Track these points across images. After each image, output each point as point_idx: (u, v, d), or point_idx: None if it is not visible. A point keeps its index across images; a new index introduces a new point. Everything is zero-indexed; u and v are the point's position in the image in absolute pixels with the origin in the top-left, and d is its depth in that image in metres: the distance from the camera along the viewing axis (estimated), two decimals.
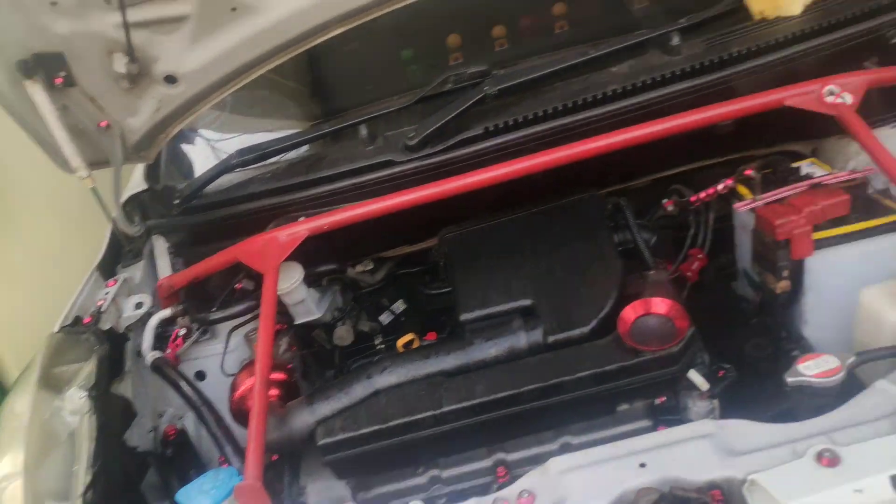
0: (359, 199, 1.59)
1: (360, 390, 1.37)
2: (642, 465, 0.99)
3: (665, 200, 1.66)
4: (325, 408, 1.37)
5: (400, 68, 2.14)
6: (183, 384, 1.59)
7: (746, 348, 1.45)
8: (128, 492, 1.43)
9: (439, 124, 1.56)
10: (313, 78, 2.26)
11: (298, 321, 1.73)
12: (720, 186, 1.59)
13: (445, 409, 1.25)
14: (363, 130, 1.66)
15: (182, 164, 2.14)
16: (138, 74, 1.43)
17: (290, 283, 1.60)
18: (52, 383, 1.53)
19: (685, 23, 1.62)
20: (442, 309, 1.66)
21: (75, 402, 1.47)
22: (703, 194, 1.61)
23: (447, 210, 1.59)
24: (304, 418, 1.38)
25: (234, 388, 1.54)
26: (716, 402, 1.24)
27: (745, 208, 1.47)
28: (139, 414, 1.66)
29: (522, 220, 1.61)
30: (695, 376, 1.23)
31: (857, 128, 1.33)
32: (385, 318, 1.87)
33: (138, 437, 1.65)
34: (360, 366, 1.43)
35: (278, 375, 1.54)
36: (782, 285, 1.34)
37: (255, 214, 1.67)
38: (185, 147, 2.18)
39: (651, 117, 1.46)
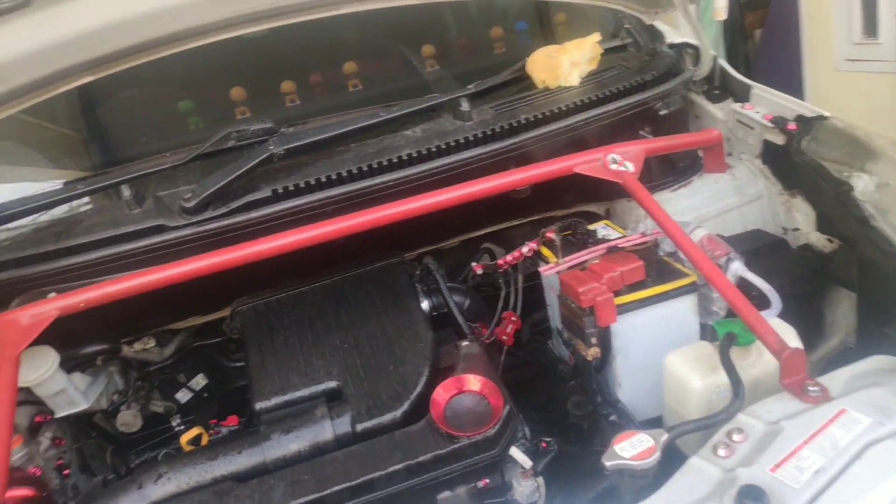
0: (125, 270, 1.36)
1: None
2: None
3: (474, 264, 1.64)
4: None
5: (180, 121, 1.93)
6: None
7: (569, 407, 1.44)
8: None
9: (221, 184, 1.38)
10: (88, 125, 1.97)
11: (60, 414, 1.43)
12: (525, 249, 1.60)
13: None
14: (126, 191, 1.43)
15: None
16: None
17: (40, 372, 1.31)
18: None
19: (473, 89, 1.64)
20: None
21: None
22: (509, 257, 1.61)
23: (239, 277, 1.41)
24: None
25: None
26: (540, 480, 1.19)
27: (549, 272, 1.48)
28: None
29: (324, 288, 1.48)
30: (517, 454, 1.16)
31: (640, 195, 1.40)
32: (183, 397, 1.64)
33: None
34: (131, 475, 1.18)
35: (23, 491, 1.24)
36: (592, 352, 1.35)
37: None
38: None
39: (449, 181, 1.43)
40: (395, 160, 1.49)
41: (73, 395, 1.42)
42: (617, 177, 1.43)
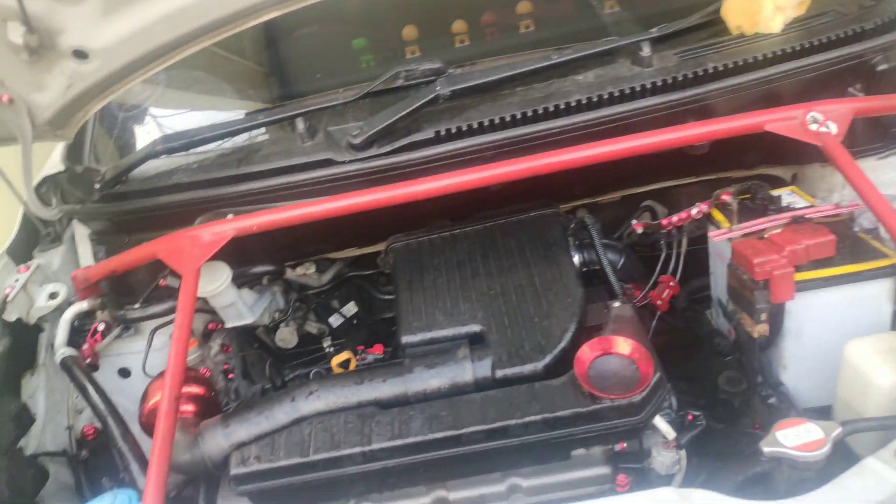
0: (294, 199, 1.43)
1: (282, 415, 1.22)
2: None
3: (634, 222, 1.54)
4: (242, 432, 1.21)
5: (353, 58, 1.97)
6: (90, 389, 1.42)
7: (720, 382, 1.34)
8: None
9: (386, 124, 1.40)
10: (270, 60, 2.08)
11: (229, 325, 1.58)
12: (694, 211, 1.47)
13: (375, 446, 1.11)
14: (301, 124, 1.49)
15: (126, 144, 1.97)
16: (40, 47, 1.23)
17: (216, 285, 1.44)
18: None
19: (657, 33, 1.48)
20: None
21: None
22: (675, 218, 1.50)
23: (396, 216, 1.45)
24: (218, 441, 1.22)
25: (144, 398, 1.38)
26: (682, 454, 1.13)
27: (721, 238, 1.36)
28: (54, 410, 1.54)
29: (476, 233, 1.47)
30: (660, 423, 1.11)
31: (842, 161, 1.23)
32: (335, 321, 1.74)
33: (52, 435, 1.53)
34: (286, 389, 1.27)
35: (195, 389, 1.38)
36: (760, 329, 1.23)
37: (180, 207, 1.50)
38: (133, 126, 2.00)
39: (618, 132, 1.34)
40: (562, 106, 1.42)
41: (241, 308, 1.54)
42: (816, 139, 1.26)
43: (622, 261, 1.55)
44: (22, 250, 1.70)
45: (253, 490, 1.18)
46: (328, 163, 1.45)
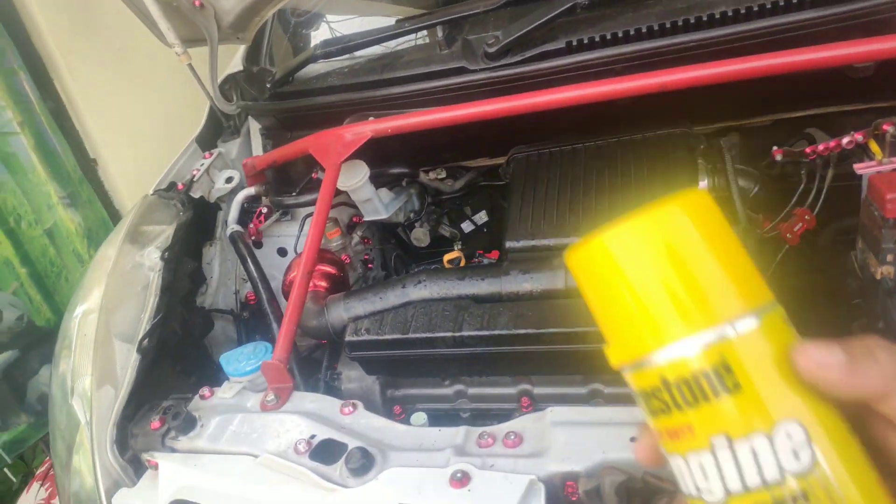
0: (428, 106, 1.52)
1: (392, 298, 1.36)
2: (632, 440, 0.91)
3: (775, 148, 1.44)
4: (359, 307, 1.38)
5: None
6: (248, 260, 1.67)
7: (853, 328, 1.26)
8: (187, 343, 1.56)
9: (521, 33, 1.41)
10: None
11: (366, 218, 1.75)
12: (845, 140, 1.34)
13: (465, 333, 1.22)
14: (440, 32, 1.55)
15: (296, 48, 2.18)
16: None
17: (354, 181, 1.60)
18: (137, 239, 1.68)
19: None
20: None
21: (152, 259, 1.60)
22: (821, 146, 1.38)
23: (523, 127, 1.49)
24: (340, 313, 1.41)
25: (287, 270, 1.60)
26: None
27: (866, 171, 1.24)
28: (225, 276, 1.83)
29: (598, 149, 1.47)
30: None
31: None
32: (466, 227, 1.85)
33: (222, 296, 1.83)
34: (400, 277, 1.41)
35: (328, 268, 1.58)
36: (885, 270, 1.13)
37: (331, 108, 1.66)
38: (303, 30, 2.20)
39: (766, 48, 1.24)
40: (704, 18, 1.34)
41: (377, 205, 1.70)
42: None
43: (756, 189, 1.46)
44: (207, 140, 1.98)
45: (362, 357, 1.35)
46: (461, 71, 1.51)
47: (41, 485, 2.71)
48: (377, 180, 1.69)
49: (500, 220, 1.85)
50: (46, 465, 2.79)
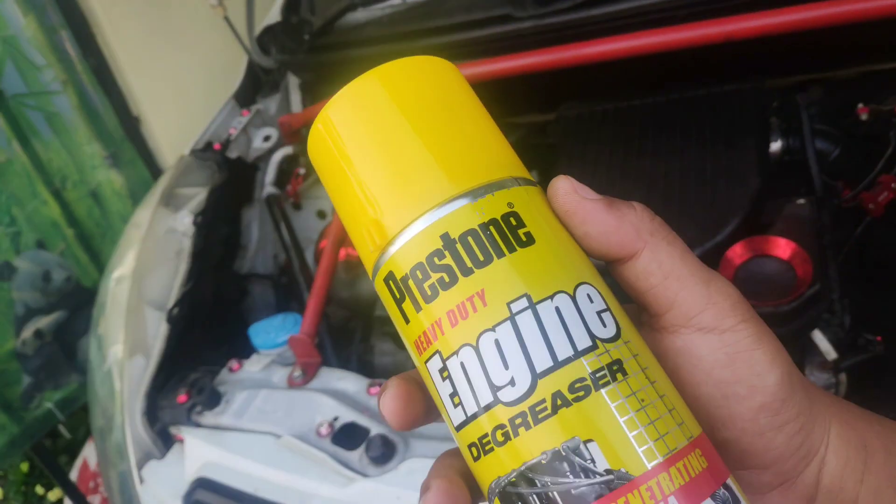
0: (472, 57, 1.40)
1: None
2: None
3: (860, 105, 1.26)
4: None
5: None
6: (282, 225, 1.62)
7: None
8: (220, 312, 1.53)
9: None
10: None
11: None
12: None
13: None
14: None
15: None
16: None
17: None
18: (171, 202, 1.65)
19: None
20: None
21: (185, 224, 1.57)
22: None
23: (574, 81, 1.36)
24: (372, 285, 1.34)
25: (319, 237, 1.54)
26: (843, 378, 0.98)
27: None
28: (264, 240, 1.77)
29: (656, 107, 1.32)
30: (819, 340, 0.96)
31: None
32: None
33: (261, 261, 1.79)
34: None
35: None
36: None
37: (372, 60, 1.55)
38: None
39: None
40: None
41: None
42: None
43: (836, 152, 1.30)
44: (246, 96, 1.92)
45: (392, 332, 1.29)
46: (506, 19, 1.38)
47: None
48: None
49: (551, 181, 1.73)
50: None
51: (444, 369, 0.32)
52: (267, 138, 1.83)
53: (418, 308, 0.33)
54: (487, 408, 0.31)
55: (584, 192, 0.37)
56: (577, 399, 0.30)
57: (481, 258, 0.32)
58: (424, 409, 0.36)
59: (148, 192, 1.74)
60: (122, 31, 2.06)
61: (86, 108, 1.96)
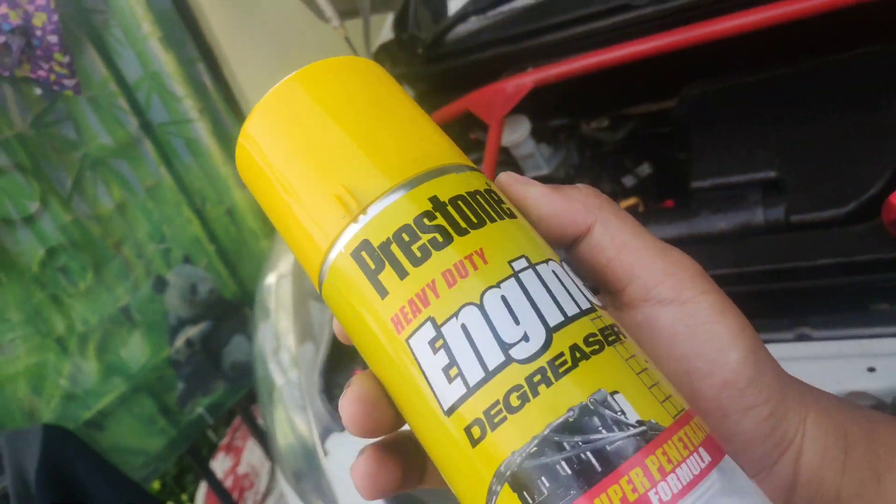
0: (588, 49, 1.47)
1: None
2: (871, 370, 0.84)
3: None
4: None
5: None
6: None
7: None
8: None
9: None
10: None
11: (528, 175, 1.74)
12: None
13: None
14: None
15: (438, 11, 2.19)
16: None
17: (517, 135, 1.59)
18: None
19: None
20: None
21: None
22: None
23: (692, 63, 1.40)
24: None
25: None
26: None
27: None
28: None
29: (787, 77, 1.36)
30: None
31: None
32: (628, 182, 1.80)
33: None
34: None
35: None
36: None
37: (488, 64, 1.66)
38: None
39: None
40: None
41: (538, 160, 1.69)
42: None
43: None
44: None
45: None
46: (624, 8, 1.46)
47: (226, 454, 2.98)
48: (536, 135, 1.68)
49: (664, 172, 1.78)
50: (228, 436, 3.06)
51: (437, 338, 0.29)
52: None
53: (403, 274, 0.30)
54: (498, 370, 0.28)
55: (528, 181, 0.38)
56: (594, 352, 0.29)
57: (475, 220, 0.31)
58: (394, 413, 0.33)
59: None
60: (246, 61, 2.24)
61: (219, 133, 2.13)
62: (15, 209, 1.69)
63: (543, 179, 1.78)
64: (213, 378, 2.08)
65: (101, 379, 1.83)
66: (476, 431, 0.27)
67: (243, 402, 2.26)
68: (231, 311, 2.11)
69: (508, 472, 0.27)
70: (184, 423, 2.02)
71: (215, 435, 3.02)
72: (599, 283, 0.37)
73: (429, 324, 0.29)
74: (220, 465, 2.92)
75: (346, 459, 1.24)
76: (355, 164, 0.32)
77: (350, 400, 0.32)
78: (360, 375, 0.33)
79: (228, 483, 2.79)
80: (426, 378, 0.29)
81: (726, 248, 1.15)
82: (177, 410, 2.00)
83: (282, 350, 1.45)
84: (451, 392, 0.28)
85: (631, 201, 1.53)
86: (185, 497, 3.00)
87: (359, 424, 0.32)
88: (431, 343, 0.29)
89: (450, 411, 0.28)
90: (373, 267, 0.30)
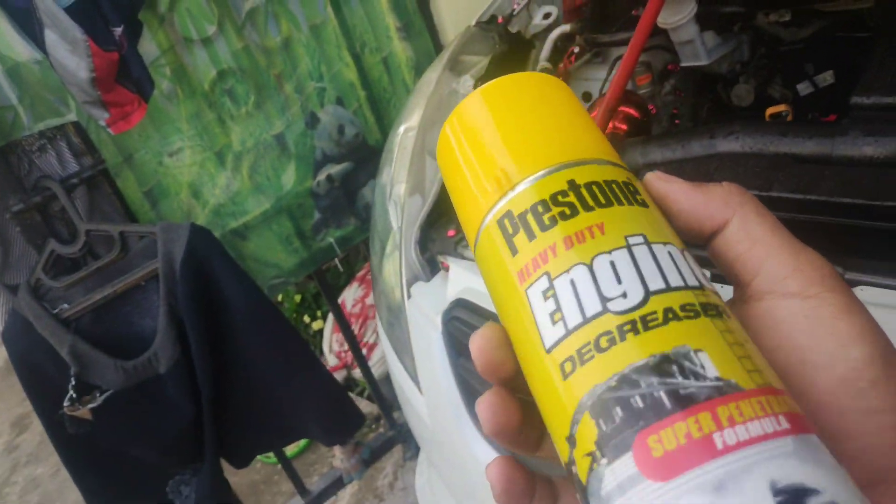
0: None
1: (697, 148, 1.25)
2: None
3: None
4: (657, 154, 1.31)
5: None
6: None
7: None
8: None
9: None
10: None
11: (684, 63, 1.60)
12: None
13: (773, 193, 1.08)
14: None
15: None
16: None
17: (678, 17, 1.45)
18: (455, 67, 1.79)
19: None
20: None
21: (466, 86, 1.70)
22: None
23: None
24: (635, 157, 1.35)
25: (588, 110, 1.57)
26: None
27: None
28: None
29: None
30: None
31: None
32: (803, 89, 1.60)
33: None
34: (708, 125, 1.28)
35: (631, 110, 1.50)
36: None
37: None
38: None
39: None
40: None
41: (698, 48, 1.54)
42: None
43: None
44: None
45: None
46: None
47: (359, 285, 3.26)
48: (705, 20, 1.51)
49: (848, 85, 1.55)
50: (365, 269, 3.33)
51: (549, 289, 0.33)
52: (547, 15, 1.87)
53: (532, 237, 0.34)
54: (594, 317, 0.31)
55: (672, 178, 0.39)
56: (688, 317, 0.30)
57: (603, 201, 0.34)
58: (514, 361, 0.36)
59: (431, 63, 1.89)
60: None
61: None
62: (195, 29, 1.87)
63: (701, 73, 1.62)
64: (346, 214, 2.26)
65: (250, 195, 2.05)
66: (568, 366, 0.30)
67: None
68: (371, 156, 2.23)
69: (590, 402, 0.29)
70: (314, 249, 2.24)
71: (345, 266, 3.31)
72: (730, 277, 0.38)
73: (544, 277, 0.33)
74: (352, 293, 3.22)
75: (426, 305, 1.33)
76: (517, 155, 0.38)
77: (480, 336, 0.36)
78: (490, 323, 0.36)
79: (356, 310, 3.09)
80: (535, 321, 0.33)
81: (866, 178, 1.01)
82: (310, 236, 2.21)
83: (394, 196, 1.53)
84: (553, 333, 0.32)
85: (780, 108, 1.36)
86: (319, 313, 3.40)
87: (483, 361, 0.36)
88: (544, 293, 0.33)
89: (550, 349, 0.32)
90: (510, 231, 0.35)
